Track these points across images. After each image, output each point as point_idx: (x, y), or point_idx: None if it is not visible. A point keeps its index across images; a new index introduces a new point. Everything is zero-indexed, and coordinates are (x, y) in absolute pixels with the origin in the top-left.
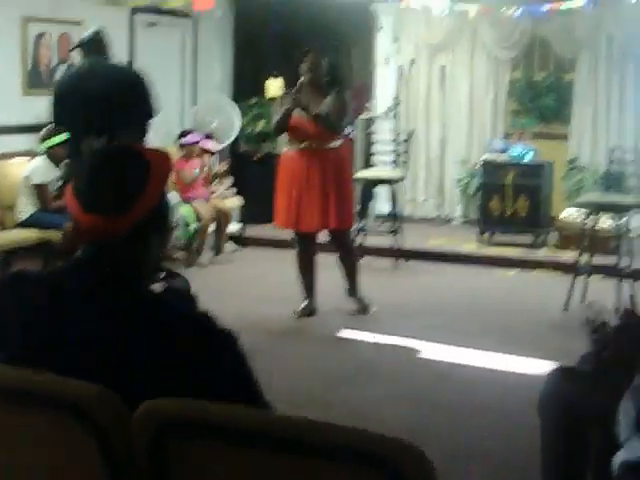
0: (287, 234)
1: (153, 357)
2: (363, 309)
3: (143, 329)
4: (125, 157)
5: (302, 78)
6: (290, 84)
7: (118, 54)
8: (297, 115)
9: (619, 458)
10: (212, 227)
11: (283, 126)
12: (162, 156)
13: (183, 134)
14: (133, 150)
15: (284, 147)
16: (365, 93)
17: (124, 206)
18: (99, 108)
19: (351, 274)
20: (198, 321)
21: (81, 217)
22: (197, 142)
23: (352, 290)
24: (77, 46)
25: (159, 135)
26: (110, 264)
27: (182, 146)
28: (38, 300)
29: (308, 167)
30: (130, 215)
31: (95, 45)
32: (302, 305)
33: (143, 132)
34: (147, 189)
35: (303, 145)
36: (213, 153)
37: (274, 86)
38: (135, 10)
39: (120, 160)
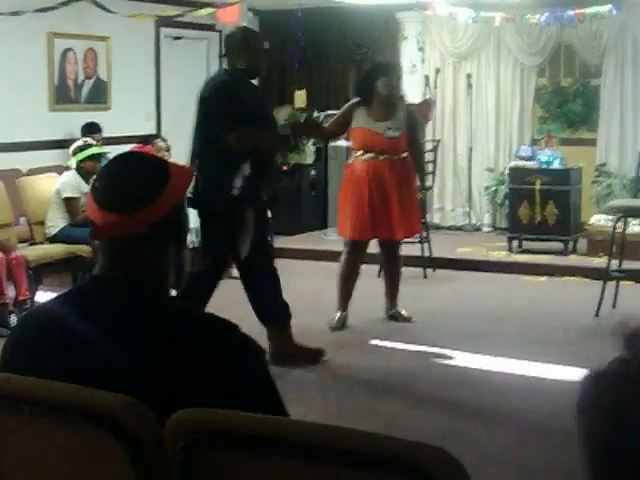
0: (315, 244)
1: (175, 367)
2: (407, 318)
3: (164, 338)
4: (144, 162)
5: (380, 92)
6: (311, 95)
7: (144, 68)
8: (368, 128)
9: None
10: None
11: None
12: (184, 170)
13: None
14: (154, 158)
15: (351, 157)
16: None
17: (136, 206)
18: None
19: (397, 283)
20: (222, 331)
21: (95, 214)
22: None
23: (395, 300)
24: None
25: (187, 147)
26: (126, 271)
27: None
28: (60, 318)
29: (380, 177)
30: (141, 215)
31: (229, 55)
32: (337, 316)
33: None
34: (162, 195)
35: (374, 156)
36: None
37: (300, 97)
38: (160, 24)
39: (138, 163)
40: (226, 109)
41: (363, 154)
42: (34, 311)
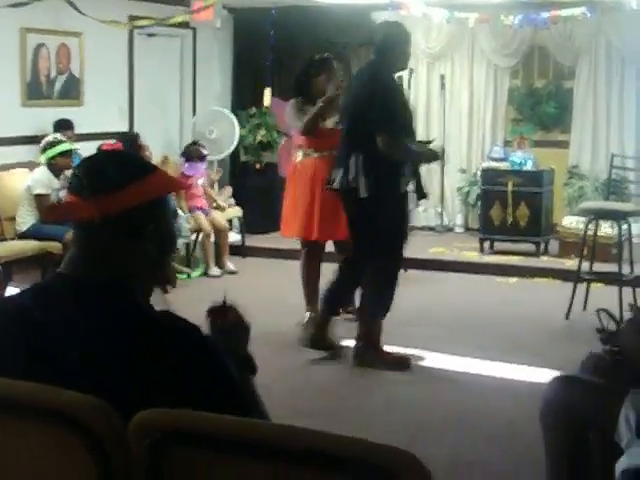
0: (288, 244)
1: (138, 369)
2: None
3: (129, 339)
4: (122, 155)
5: (332, 88)
6: (286, 94)
7: (117, 64)
8: (321, 125)
9: (621, 465)
10: (212, 239)
11: (313, 127)
12: (169, 176)
13: (186, 153)
14: (137, 155)
15: (298, 155)
16: None
17: (91, 190)
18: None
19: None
20: (186, 333)
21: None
22: (196, 173)
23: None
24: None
25: (159, 145)
26: (96, 269)
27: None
28: (26, 317)
29: (329, 174)
30: (95, 200)
31: (377, 48)
32: (306, 316)
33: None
34: (130, 186)
35: (324, 154)
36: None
37: (267, 96)
38: (134, 19)
39: (115, 155)
40: (392, 109)
41: (313, 151)
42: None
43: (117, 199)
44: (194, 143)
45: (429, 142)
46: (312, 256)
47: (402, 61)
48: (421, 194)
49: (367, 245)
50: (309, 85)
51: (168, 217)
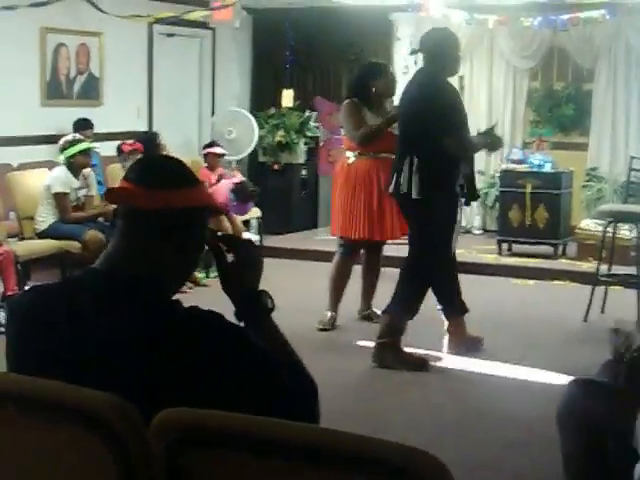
0: (306, 244)
1: (161, 363)
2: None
3: (152, 333)
4: (178, 162)
5: (381, 92)
6: (304, 95)
7: (137, 64)
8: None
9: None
10: None
11: (375, 139)
12: (209, 192)
13: (210, 145)
14: (187, 167)
15: (348, 156)
16: None
17: (148, 182)
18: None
19: (375, 285)
20: (204, 323)
21: (120, 184)
22: (223, 155)
23: (371, 300)
24: (419, 51)
25: (178, 145)
26: (134, 264)
27: (206, 155)
28: (54, 308)
29: (384, 175)
30: (152, 193)
31: (428, 54)
32: (327, 316)
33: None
34: (181, 190)
35: (380, 155)
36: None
37: (288, 96)
38: (153, 21)
39: (173, 160)
40: (448, 113)
41: (368, 153)
42: (32, 295)
43: (165, 197)
44: (212, 143)
45: (492, 128)
46: (349, 257)
47: (454, 66)
48: (473, 196)
49: (417, 246)
50: (366, 89)
51: (207, 223)
